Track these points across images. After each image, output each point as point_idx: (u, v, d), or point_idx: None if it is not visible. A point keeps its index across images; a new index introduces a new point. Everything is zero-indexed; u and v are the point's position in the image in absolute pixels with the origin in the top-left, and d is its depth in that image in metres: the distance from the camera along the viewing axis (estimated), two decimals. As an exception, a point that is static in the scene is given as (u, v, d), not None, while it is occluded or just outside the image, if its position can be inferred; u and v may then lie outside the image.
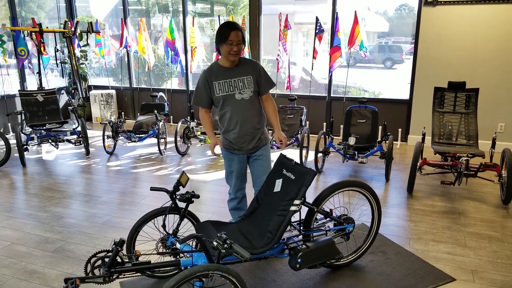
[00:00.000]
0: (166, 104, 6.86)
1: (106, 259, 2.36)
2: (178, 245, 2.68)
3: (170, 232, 2.75)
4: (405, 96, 6.80)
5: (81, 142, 5.91)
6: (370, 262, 3.07)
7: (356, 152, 4.93)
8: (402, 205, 4.19)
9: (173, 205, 2.75)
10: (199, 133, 5.95)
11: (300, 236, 2.75)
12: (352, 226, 2.89)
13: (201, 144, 6.07)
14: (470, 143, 4.78)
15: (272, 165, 2.95)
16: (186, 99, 8.15)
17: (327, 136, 5.49)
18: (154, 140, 6.50)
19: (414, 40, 6.46)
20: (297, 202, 2.51)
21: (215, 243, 2.15)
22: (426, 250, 3.24)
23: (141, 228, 2.78)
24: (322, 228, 2.80)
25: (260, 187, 2.93)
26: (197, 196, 2.82)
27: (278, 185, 2.75)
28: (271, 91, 3.18)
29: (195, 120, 6.01)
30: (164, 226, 2.75)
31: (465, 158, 4.09)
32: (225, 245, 2.12)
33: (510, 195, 3.98)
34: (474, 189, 4.64)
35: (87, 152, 6.07)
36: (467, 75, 6.12)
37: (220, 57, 3.00)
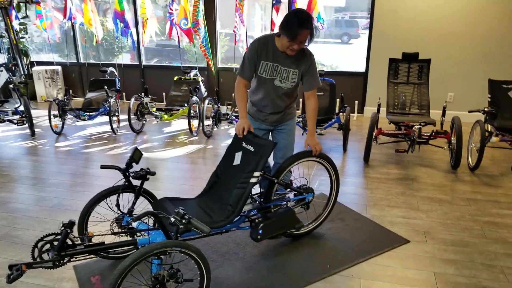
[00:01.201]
0: (117, 79, 6.54)
1: (56, 243, 2.21)
2: (133, 224, 2.59)
3: (125, 211, 2.64)
4: (362, 69, 6.90)
5: (24, 122, 5.51)
6: (329, 229, 3.12)
7: (314, 124, 4.95)
8: (359, 174, 4.29)
9: (126, 183, 2.62)
10: (154, 109, 5.73)
11: (261, 208, 2.72)
12: (311, 195, 2.91)
13: (157, 121, 5.86)
14: (422, 112, 4.93)
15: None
16: (139, 74, 7.81)
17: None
18: (106, 119, 6.22)
19: (370, 15, 6.51)
20: (256, 174, 2.46)
21: (172, 219, 2.07)
22: (382, 215, 3.34)
23: (93, 209, 2.63)
24: (282, 199, 2.79)
25: (281, 160, 2.95)
26: (153, 173, 2.70)
27: (237, 158, 2.68)
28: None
29: (149, 96, 5.77)
30: (118, 205, 2.62)
31: (418, 127, 4.22)
32: (183, 221, 2.05)
33: (459, 160, 4.17)
34: (425, 156, 4.83)
35: (32, 133, 5.69)
36: (421, 48, 6.28)
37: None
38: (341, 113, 5.19)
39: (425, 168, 4.43)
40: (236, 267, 2.66)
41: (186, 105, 5.72)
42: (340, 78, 6.75)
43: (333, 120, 5.12)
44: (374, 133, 4.53)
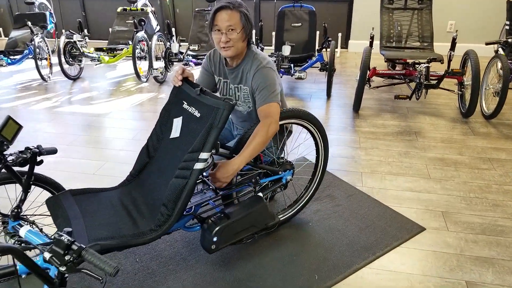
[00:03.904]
0: (49, 13, 5.23)
1: None
2: (22, 232, 1.68)
3: (9, 212, 1.72)
4: (346, -8, 5.78)
5: None
6: (316, 213, 2.30)
7: (292, 65, 3.96)
8: (348, 128, 3.42)
9: (3, 171, 1.67)
10: (92, 50, 4.56)
11: (217, 199, 1.85)
12: (290, 173, 2.03)
13: (96, 64, 4.72)
14: (424, 45, 4.00)
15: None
16: (80, 6, 6.43)
17: (256, 46, 4.42)
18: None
19: None
20: (204, 155, 1.54)
21: (47, 255, 1.16)
22: (383, 188, 2.53)
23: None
24: (249, 182, 1.90)
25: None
26: (49, 152, 1.76)
27: (176, 127, 1.74)
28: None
29: (81, 32, 4.56)
30: (-8, 207, 1.69)
31: (426, 65, 3.30)
32: (67, 257, 1.15)
33: (473, 107, 3.33)
34: (427, 101, 3.98)
35: None
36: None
37: None
38: (324, 49, 4.20)
39: (429, 118, 3.59)
40: (183, 284, 1.83)
41: (130, 43, 4.57)
42: (320, 5, 5.63)
43: (314, 59, 4.14)
44: (367, 75, 3.61)
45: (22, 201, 1.73)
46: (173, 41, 4.30)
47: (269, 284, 1.81)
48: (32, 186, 1.78)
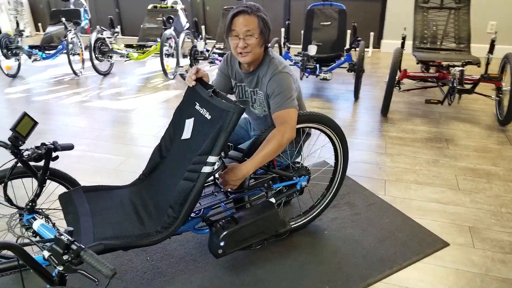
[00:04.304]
0: (83, 10, 5.37)
1: None
2: (35, 226, 1.70)
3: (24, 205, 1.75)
4: (380, -10, 5.58)
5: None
6: (333, 221, 2.22)
7: (318, 65, 3.86)
8: (375, 133, 3.29)
9: (20, 165, 1.70)
10: (121, 46, 4.63)
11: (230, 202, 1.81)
12: (306, 179, 1.96)
13: (125, 61, 4.79)
14: (460, 47, 3.79)
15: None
16: (113, 3, 6.57)
17: (282, 45, 4.34)
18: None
19: None
20: (212, 159, 1.50)
21: (46, 254, 1.16)
22: (407, 198, 2.40)
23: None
24: (259, 188, 1.84)
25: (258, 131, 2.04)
26: (68, 148, 1.78)
27: (188, 128, 1.71)
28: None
29: (112, 29, 4.64)
30: (8, 199, 1.72)
31: (460, 68, 3.12)
32: (66, 256, 1.14)
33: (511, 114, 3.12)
34: (462, 106, 3.77)
35: (-20, 76, 4.70)
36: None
37: None
38: (352, 49, 4.07)
39: (463, 124, 3.39)
40: (191, 286, 1.80)
41: (159, 40, 4.60)
42: (351, 3, 5.47)
43: (342, 59, 4.01)
44: (397, 76, 3.46)
45: (37, 195, 1.76)
46: (199, 39, 4.29)
47: (276, 294, 1.75)
48: (48, 181, 1.81)
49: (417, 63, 3.77)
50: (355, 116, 3.66)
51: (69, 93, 4.28)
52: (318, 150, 2.77)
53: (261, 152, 1.64)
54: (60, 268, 1.16)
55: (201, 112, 1.64)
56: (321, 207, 2.14)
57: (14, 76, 4.83)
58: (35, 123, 1.65)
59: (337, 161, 2.07)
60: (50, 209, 1.87)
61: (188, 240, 2.08)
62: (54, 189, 1.88)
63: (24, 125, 1.61)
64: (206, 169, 1.49)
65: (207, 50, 4.31)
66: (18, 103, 4.01)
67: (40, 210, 1.82)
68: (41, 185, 1.75)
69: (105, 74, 4.81)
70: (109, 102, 4.00)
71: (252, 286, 1.79)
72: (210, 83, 1.79)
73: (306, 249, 2.01)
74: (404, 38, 3.88)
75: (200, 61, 4.37)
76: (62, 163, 2.81)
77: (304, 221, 2.10)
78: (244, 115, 2.12)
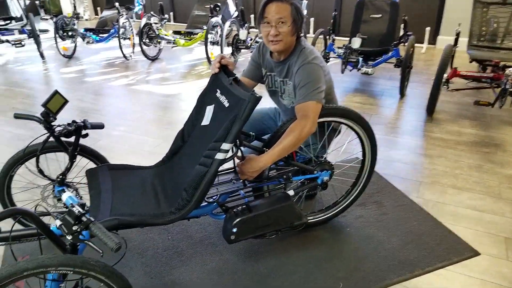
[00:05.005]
0: (139, -6, 5.57)
1: None
2: (64, 197, 1.81)
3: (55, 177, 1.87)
4: (439, -17, 5.26)
5: (22, 43, 4.83)
6: (357, 219, 2.15)
7: (361, 58, 3.72)
8: (416, 132, 3.13)
9: (52, 141, 1.80)
10: (169, 33, 4.75)
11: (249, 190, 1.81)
12: (328, 174, 1.90)
13: (172, 47, 4.91)
14: (521, 46, 3.49)
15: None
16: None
17: (327, 37, 4.24)
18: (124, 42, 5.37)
19: None
20: (226, 146, 1.50)
21: (58, 222, 1.23)
22: (441, 202, 2.27)
23: (15, 172, 1.89)
24: (277, 179, 1.82)
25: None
26: (98, 127, 1.86)
27: (208, 114, 1.72)
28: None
29: (160, 15, 4.77)
30: (40, 170, 1.84)
31: (514, 69, 2.88)
32: (75, 227, 1.20)
33: None
34: (517, 110, 3.48)
35: (41, 55, 5.04)
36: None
37: None
38: (401, 44, 3.88)
39: (515, 129, 3.14)
40: (205, 269, 1.83)
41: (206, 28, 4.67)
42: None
43: (390, 54, 3.84)
44: (445, 75, 3.26)
45: (67, 169, 1.86)
46: (244, 28, 4.30)
47: (287, 284, 1.73)
48: (80, 157, 1.91)
49: (470, 62, 3.53)
50: (398, 113, 3.50)
51: (118, 76, 4.48)
52: (344, 146, 2.68)
53: (280, 145, 1.61)
54: (69, 237, 1.22)
55: (221, 99, 1.65)
56: (345, 204, 2.07)
57: (69, 57, 5.13)
58: (66, 101, 1.74)
59: (364, 157, 2.00)
60: (80, 183, 1.97)
61: (209, 224, 2.12)
62: (85, 164, 1.98)
63: (55, 102, 1.69)
64: (220, 156, 1.49)
65: (251, 39, 4.31)
66: (71, 83, 4.26)
67: (70, 183, 1.93)
68: (72, 160, 1.85)
69: (153, 59, 4.97)
70: (153, 87, 4.14)
71: (264, 276, 1.78)
72: (242, 71, 1.79)
73: (325, 244, 1.96)
74: (458, 35, 3.64)
75: (242, 50, 4.38)
76: (103, 141, 2.97)
77: (325, 216, 2.05)
78: (274, 105, 2.10)
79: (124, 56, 4.89)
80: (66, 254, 1.30)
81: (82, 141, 1.84)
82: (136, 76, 4.48)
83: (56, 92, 1.69)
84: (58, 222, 1.22)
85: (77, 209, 1.22)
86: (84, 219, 1.21)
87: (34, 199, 2.07)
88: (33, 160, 1.82)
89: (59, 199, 1.93)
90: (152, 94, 3.95)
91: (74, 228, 1.20)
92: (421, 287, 1.70)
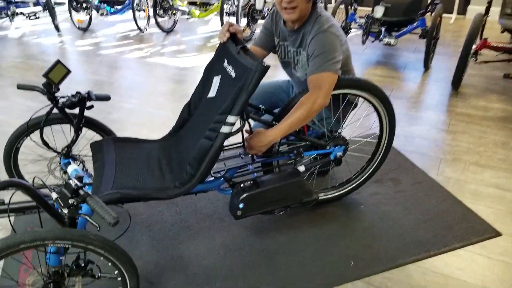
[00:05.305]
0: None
1: None
2: (69, 170, 1.79)
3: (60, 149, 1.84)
4: None
5: (37, 15, 4.79)
6: (372, 196, 2.06)
7: (383, 28, 3.52)
8: (440, 107, 2.97)
9: (56, 112, 1.76)
10: (184, 3, 4.63)
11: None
12: (342, 149, 1.80)
13: (188, 18, 4.79)
14: (559, 15, 3.22)
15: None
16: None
17: (349, 6, 4.03)
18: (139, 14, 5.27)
19: None
20: (231, 119, 1.42)
21: (54, 195, 1.19)
22: (463, 180, 2.15)
23: (20, 144, 1.87)
24: (288, 154, 1.74)
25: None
26: (104, 98, 1.81)
27: (214, 86, 1.64)
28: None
29: (175, -15, 4.64)
30: (45, 142, 1.81)
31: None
32: (71, 201, 1.16)
33: None
34: (551, 83, 3.26)
35: (57, 28, 5.01)
36: None
37: None
38: (428, 14, 3.65)
39: (547, 104, 2.94)
40: (212, 244, 1.79)
41: (222, -2, 4.52)
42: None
43: (415, 24, 3.62)
44: (474, 46, 3.05)
45: (73, 141, 1.83)
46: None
47: (295, 262, 1.68)
48: (86, 129, 1.87)
49: (502, 32, 3.30)
50: (421, 87, 3.33)
51: (132, 48, 4.42)
52: (360, 120, 2.56)
53: (289, 119, 1.52)
54: (65, 211, 1.18)
55: (227, 69, 1.56)
56: (359, 181, 1.98)
57: (85, 29, 5.08)
58: (68, 71, 1.67)
59: (381, 132, 1.89)
60: (86, 156, 1.95)
61: (218, 199, 2.07)
62: (92, 137, 1.94)
63: (57, 72, 1.63)
64: (225, 129, 1.42)
65: (268, 9, 4.14)
66: (86, 56, 4.23)
67: (77, 156, 1.90)
68: (77, 132, 1.81)
69: (168, 31, 4.88)
70: (167, 59, 4.06)
71: (272, 252, 1.73)
72: (252, 39, 1.69)
73: (337, 222, 1.89)
74: (490, 3, 3.39)
75: (258, 20, 4.22)
76: (114, 114, 2.93)
77: (338, 193, 1.97)
78: (287, 77, 2.00)
79: (139, 29, 4.81)
80: (65, 227, 1.27)
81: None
82: (150, 48, 4.41)
83: (58, 62, 1.63)
84: (54, 195, 1.19)
85: (74, 182, 1.17)
86: (81, 192, 1.17)
87: (44, 171, 2.06)
88: (38, 132, 1.79)
89: (65, 172, 1.92)
90: (167, 67, 3.88)
91: (71, 201, 1.16)
92: (436, 268, 1.62)
